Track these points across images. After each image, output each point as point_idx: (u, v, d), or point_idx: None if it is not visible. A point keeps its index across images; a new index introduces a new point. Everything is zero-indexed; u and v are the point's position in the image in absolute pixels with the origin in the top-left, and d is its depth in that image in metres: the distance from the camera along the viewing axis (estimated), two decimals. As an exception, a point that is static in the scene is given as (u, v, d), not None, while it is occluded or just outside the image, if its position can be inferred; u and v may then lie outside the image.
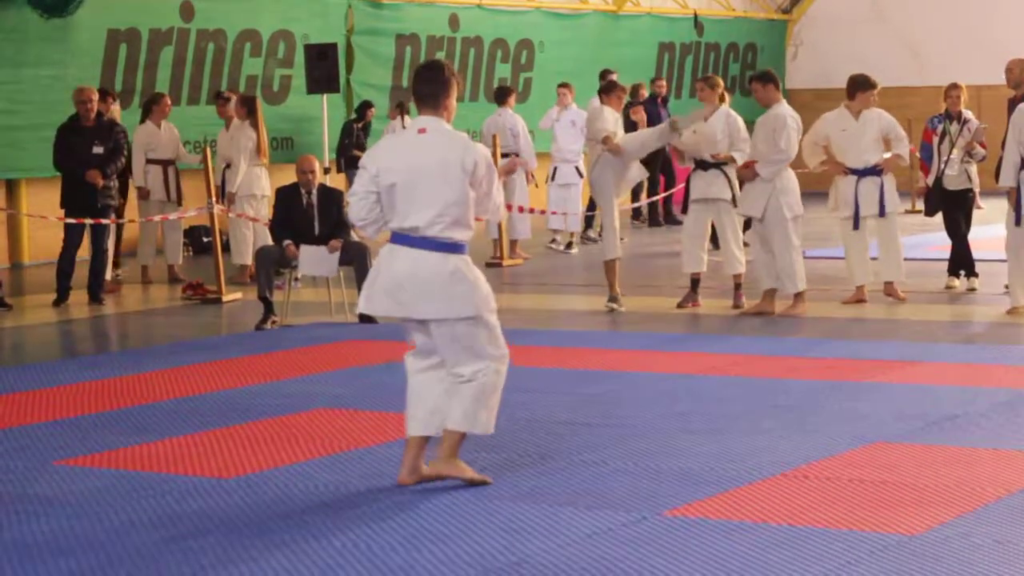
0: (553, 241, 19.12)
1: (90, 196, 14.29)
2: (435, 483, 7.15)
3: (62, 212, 14.48)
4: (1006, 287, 12.85)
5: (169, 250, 16.55)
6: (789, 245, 12.72)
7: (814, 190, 17.98)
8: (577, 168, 18.90)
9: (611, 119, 13.15)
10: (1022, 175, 12.10)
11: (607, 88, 13.84)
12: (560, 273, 16.74)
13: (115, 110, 16.04)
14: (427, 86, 7.12)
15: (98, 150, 14.32)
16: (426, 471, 7.18)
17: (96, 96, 14.63)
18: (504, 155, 18.10)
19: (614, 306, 13.16)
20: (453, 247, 7.05)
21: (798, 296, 12.84)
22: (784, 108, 12.82)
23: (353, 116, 21.06)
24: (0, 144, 17.70)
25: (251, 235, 16.14)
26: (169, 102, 16.81)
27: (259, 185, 16.15)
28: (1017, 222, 12.18)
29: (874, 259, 13.64)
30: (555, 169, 18.90)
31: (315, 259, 12.78)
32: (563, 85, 19.64)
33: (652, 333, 12.06)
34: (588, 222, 20.08)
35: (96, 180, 14.23)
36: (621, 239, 13.85)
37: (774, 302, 12.91)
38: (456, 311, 6.99)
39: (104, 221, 14.61)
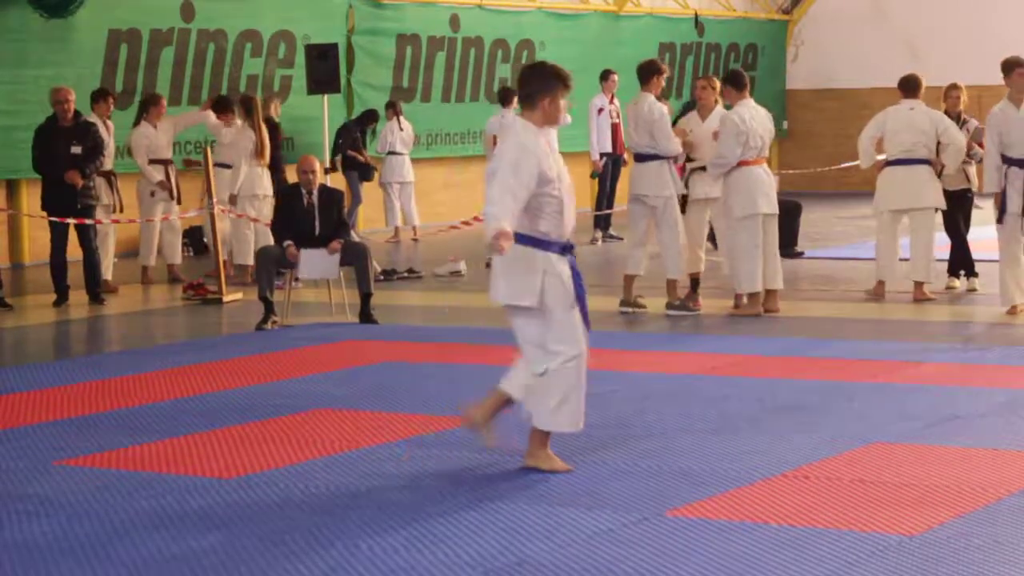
0: None
1: (70, 196, 14.27)
2: (435, 484, 7.15)
3: (47, 214, 14.47)
4: None
5: (167, 250, 16.56)
6: (733, 243, 12.73)
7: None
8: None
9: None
10: (1010, 172, 12.20)
11: (652, 70, 13.09)
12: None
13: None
14: (523, 87, 7.38)
15: (76, 150, 14.29)
16: (480, 420, 7.48)
17: (73, 96, 14.58)
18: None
19: (627, 310, 13.12)
20: (518, 237, 7.20)
21: (740, 296, 12.84)
22: (735, 109, 12.68)
23: (354, 118, 21.03)
24: (0, 144, 17.71)
25: (252, 235, 16.14)
26: (165, 103, 16.81)
27: (260, 185, 16.17)
28: (998, 220, 12.30)
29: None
30: None
31: (315, 262, 12.77)
32: None
33: (652, 333, 12.05)
34: (606, 221, 20.10)
35: (75, 180, 14.20)
36: (621, 238, 13.85)
37: (767, 301, 12.88)
38: (502, 298, 7.36)
39: (103, 222, 14.60)
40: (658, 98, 13.15)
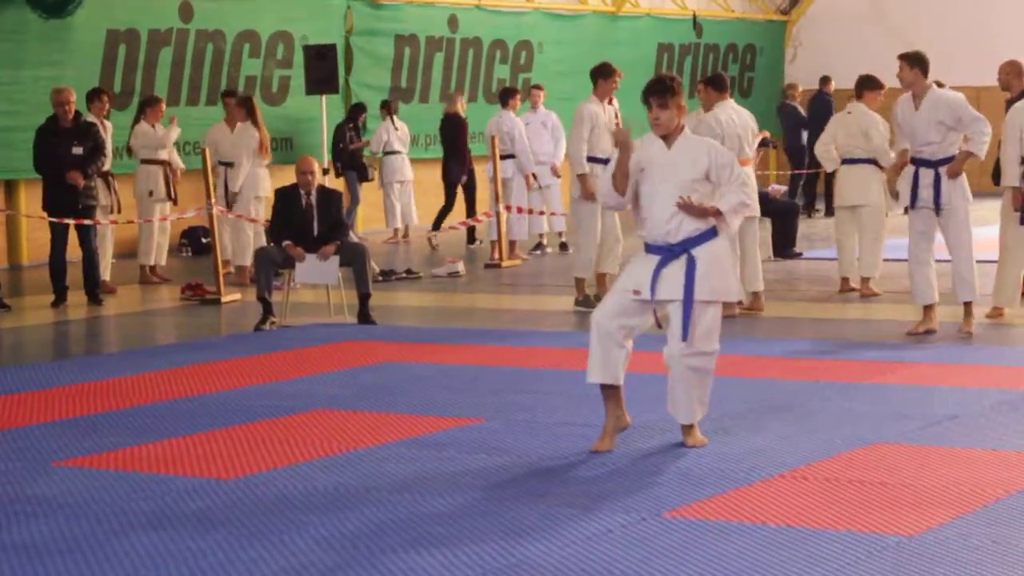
0: (538, 247, 18.99)
1: (71, 197, 14.27)
2: (434, 484, 7.16)
3: (47, 214, 14.48)
4: None
5: (156, 251, 16.55)
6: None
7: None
8: (553, 168, 18.88)
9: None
10: None
11: (594, 73, 13.64)
12: (558, 274, 16.73)
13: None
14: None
15: (77, 150, 14.29)
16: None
17: (74, 97, 14.58)
18: (503, 157, 18.10)
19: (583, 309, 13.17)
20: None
21: (756, 295, 12.87)
22: (712, 112, 12.65)
23: (344, 118, 21.02)
24: (-1, 144, 17.74)
25: (252, 236, 16.13)
26: (164, 105, 16.81)
27: (263, 186, 16.22)
28: (1022, 221, 12.14)
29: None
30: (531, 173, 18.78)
31: (313, 267, 12.77)
32: (536, 87, 19.63)
33: (651, 334, 12.04)
34: None
35: (77, 181, 14.21)
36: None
37: (751, 302, 12.91)
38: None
39: (102, 222, 14.59)
40: (610, 101, 13.62)
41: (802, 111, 24.00)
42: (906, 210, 11.85)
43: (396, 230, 20.98)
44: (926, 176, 11.54)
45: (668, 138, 7.84)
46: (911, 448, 7.79)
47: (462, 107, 19.20)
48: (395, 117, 20.93)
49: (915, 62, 11.60)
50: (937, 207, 11.52)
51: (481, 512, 6.65)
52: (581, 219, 13.54)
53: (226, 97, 17.62)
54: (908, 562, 5.82)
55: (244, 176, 16.09)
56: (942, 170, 11.51)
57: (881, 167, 13.90)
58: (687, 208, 7.71)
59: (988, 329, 12.01)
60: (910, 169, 11.67)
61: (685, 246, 7.74)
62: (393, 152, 20.78)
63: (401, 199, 20.86)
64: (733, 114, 12.71)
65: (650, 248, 7.86)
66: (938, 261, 11.81)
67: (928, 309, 11.70)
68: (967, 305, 11.71)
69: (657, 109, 7.77)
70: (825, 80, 23.87)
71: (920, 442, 7.92)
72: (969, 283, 11.69)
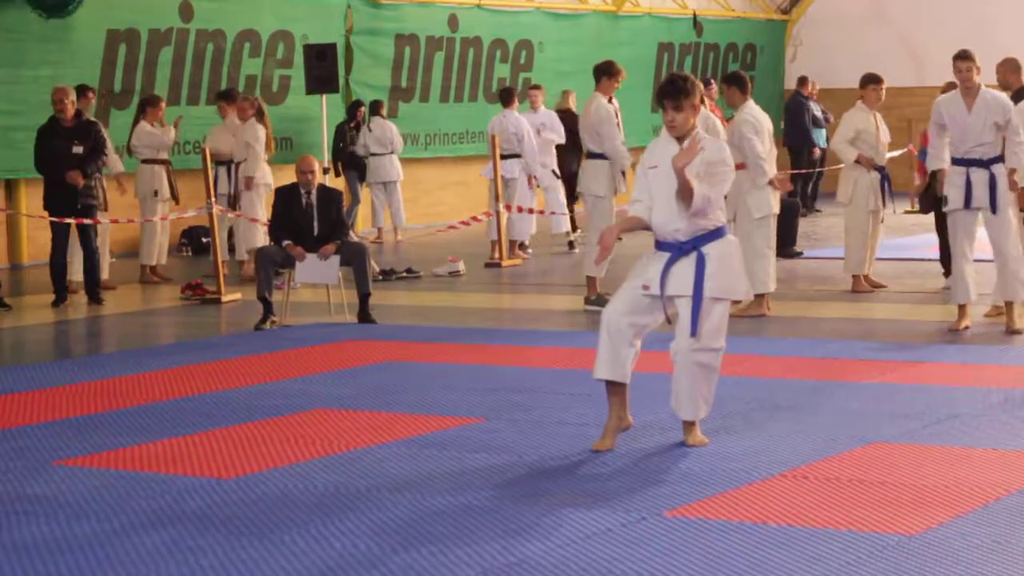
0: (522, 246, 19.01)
1: (71, 196, 14.27)
2: (434, 484, 7.16)
3: (48, 214, 14.48)
4: None
5: (157, 251, 16.55)
6: (750, 246, 12.69)
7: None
8: (553, 171, 18.87)
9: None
10: None
11: (602, 71, 13.50)
12: (559, 273, 16.74)
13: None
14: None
15: (77, 150, 14.28)
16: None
17: (73, 96, 14.57)
18: (504, 157, 18.08)
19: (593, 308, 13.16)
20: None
21: (758, 297, 12.82)
22: (743, 113, 12.73)
23: (344, 118, 21.01)
24: (-1, 144, 17.73)
25: (261, 233, 16.13)
26: (164, 105, 16.78)
27: (270, 176, 16.36)
28: None
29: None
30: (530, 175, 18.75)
31: (314, 267, 12.77)
32: (535, 87, 19.63)
33: (650, 333, 12.04)
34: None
35: (76, 180, 14.20)
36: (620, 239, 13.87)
37: (762, 305, 12.91)
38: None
39: (103, 222, 14.59)
40: (610, 100, 13.45)
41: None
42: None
43: (380, 230, 20.94)
44: (980, 176, 11.52)
45: (682, 138, 7.82)
46: (911, 447, 7.79)
47: (573, 103, 19.34)
48: (374, 119, 20.76)
49: (975, 61, 11.52)
50: (993, 206, 11.50)
51: (481, 511, 6.66)
52: (598, 219, 13.31)
53: (220, 100, 17.61)
54: (908, 561, 5.82)
55: (260, 165, 16.16)
56: (995, 169, 11.52)
57: (859, 162, 14.17)
58: (680, 165, 7.62)
59: (989, 328, 12.01)
60: (960, 170, 11.60)
61: (695, 243, 7.74)
62: (374, 154, 20.68)
63: (387, 199, 20.76)
64: (760, 114, 12.85)
65: (660, 245, 7.86)
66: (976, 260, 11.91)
67: (963, 307, 11.79)
68: (1012, 304, 11.75)
69: (672, 111, 7.76)
70: (802, 81, 23.95)
71: (920, 441, 7.92)
72: (1021, 281, 11.70)
